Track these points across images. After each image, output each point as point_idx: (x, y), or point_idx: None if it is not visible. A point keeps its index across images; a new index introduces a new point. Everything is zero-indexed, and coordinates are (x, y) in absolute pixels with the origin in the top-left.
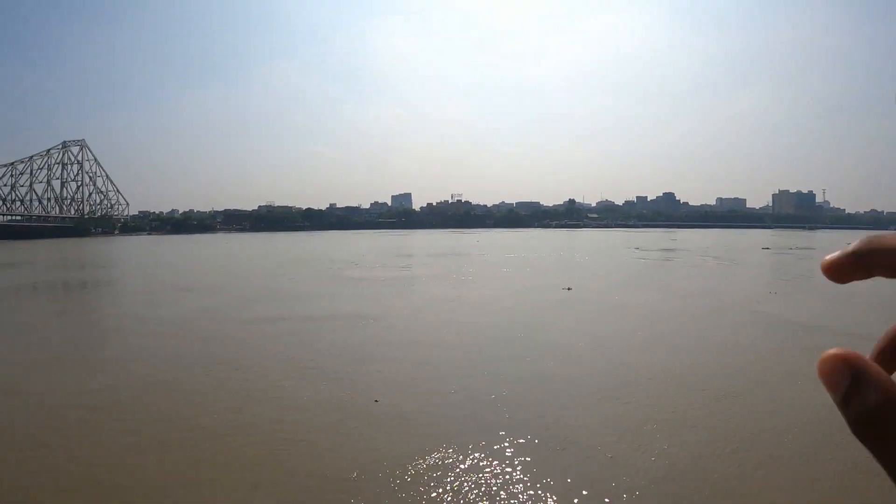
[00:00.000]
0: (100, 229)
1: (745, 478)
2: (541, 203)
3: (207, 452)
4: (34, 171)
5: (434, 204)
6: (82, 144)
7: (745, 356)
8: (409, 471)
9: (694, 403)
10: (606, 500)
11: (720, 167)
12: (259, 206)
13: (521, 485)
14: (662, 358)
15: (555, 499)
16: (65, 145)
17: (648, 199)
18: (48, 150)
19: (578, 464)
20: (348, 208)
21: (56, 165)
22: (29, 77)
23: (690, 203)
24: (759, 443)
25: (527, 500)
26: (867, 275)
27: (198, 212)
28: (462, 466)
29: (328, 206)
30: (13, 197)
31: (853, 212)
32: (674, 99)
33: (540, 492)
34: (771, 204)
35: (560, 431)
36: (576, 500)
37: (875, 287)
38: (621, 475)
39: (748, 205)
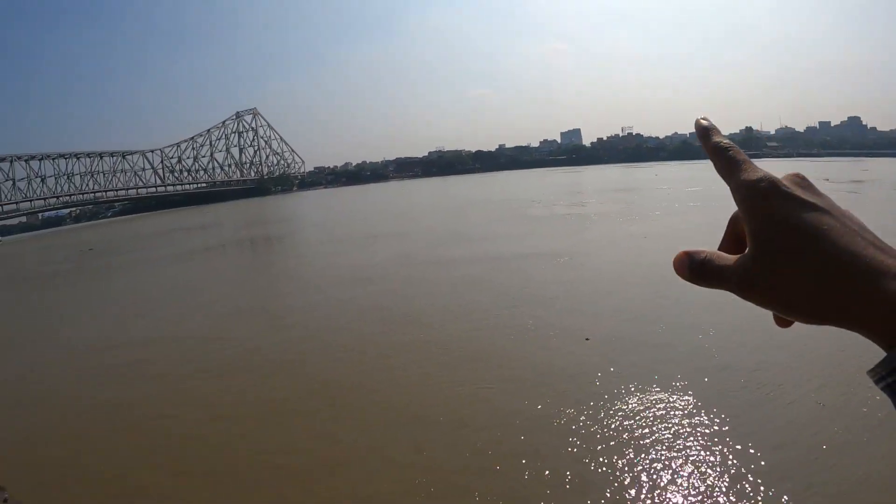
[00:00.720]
0: (279, 188)
1: None
2: None
3: (433, 381)
4: (213, 142)
5: (604, 138)
6: (254, 112)
7: None
8: (619, 408)
9: None
10: (824, 447)
11: None
12: (429, 153)
13: (735, 431)
14: None
15: (772, 445)
16: (238, 115)
17: (832, 125)
18: (223, 122)
19: (788, 411)
20: (517, 148)
21: (233, 134)
22: (198, 59)
23: (878, 129)
24: None
25: (746, 440)
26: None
27: (370, 162)
28: (670, 408)
29: (497, 147)
30: (196, 167)
31: None
32: (860, 7)
33: (752, 436)
34: None
35: (765, 377)
36: (793, 446)
37: None
38: (832, 424)
39: None
